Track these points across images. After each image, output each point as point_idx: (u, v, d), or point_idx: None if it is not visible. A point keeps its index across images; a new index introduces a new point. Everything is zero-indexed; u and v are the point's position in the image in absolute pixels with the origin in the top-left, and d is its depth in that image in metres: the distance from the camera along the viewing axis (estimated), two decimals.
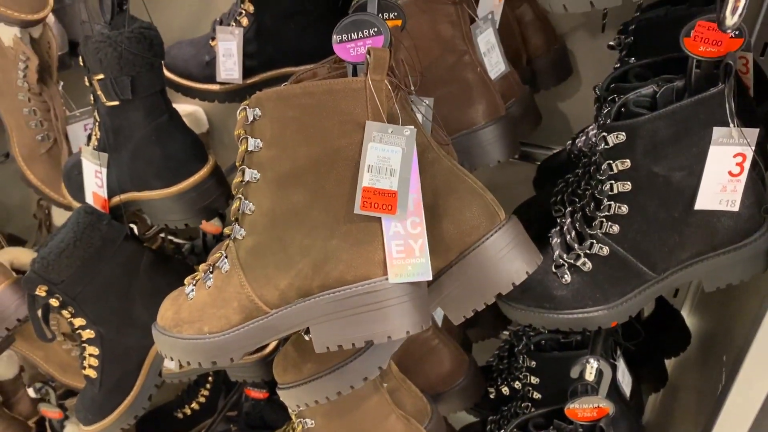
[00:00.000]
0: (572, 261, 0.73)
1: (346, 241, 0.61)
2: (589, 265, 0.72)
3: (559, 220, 0.80)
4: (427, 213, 0.62)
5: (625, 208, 0.68)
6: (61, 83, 1.18)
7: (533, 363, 0.93)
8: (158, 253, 1.00)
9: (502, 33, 0.91)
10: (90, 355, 0.95)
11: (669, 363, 1.10)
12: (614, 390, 0.84)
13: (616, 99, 0.68)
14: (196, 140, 0.92)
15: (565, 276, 0.73)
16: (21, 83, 1.13)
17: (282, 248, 0.64)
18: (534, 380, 0.93)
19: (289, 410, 0.86)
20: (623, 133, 0.65)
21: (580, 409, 0.78)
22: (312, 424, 0.85)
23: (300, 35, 0.98)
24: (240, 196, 0.66)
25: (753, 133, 0.63)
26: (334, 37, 0.59)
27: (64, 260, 0.87)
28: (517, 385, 0.98)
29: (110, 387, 0.96)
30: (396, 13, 0.67)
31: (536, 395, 0.94)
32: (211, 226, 1.22)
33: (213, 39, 1.01)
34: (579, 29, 1.08)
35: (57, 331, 1.25)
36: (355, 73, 0.60)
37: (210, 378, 1.50)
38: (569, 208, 0.78)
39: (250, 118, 0.62)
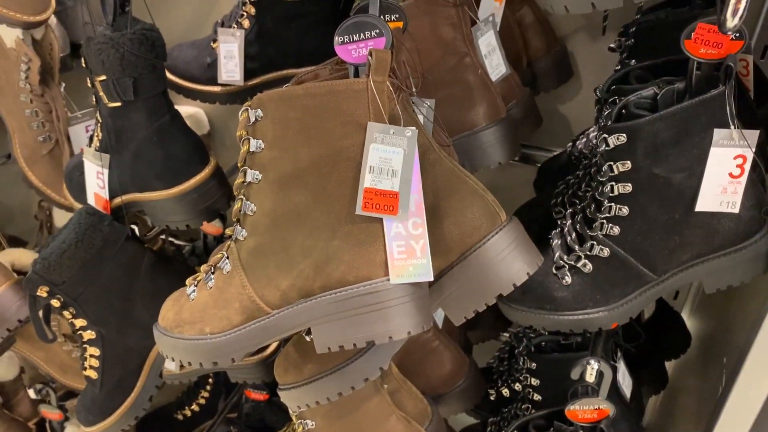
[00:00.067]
0: (573, 262, 0.73)
1: (347, 241, 0.62)
2: (589, 266, 0.72)
3: (559, 222, 0.80)
4: (428, 214, 0.62)
5: (625, 210, 0.68)
6: (63, 85, 1.18)
7: (534, 364, 0.93)
8: (159, 254, 1.00)
9: (503, 35, 0.92)
10: (91, 355, 0.95)
11: (669, 365, 1.10)
12: (615, 391, 0.84)
13: (617, 101, 0.68)
14: (198, 141, 0.92)
15: (566, 277, 0.73)
16: (23, 84, 1.13)
17: (283, 249, 0.64)
18: (534, 382, 0.93)
19: (290, 411, 0.86)
20: (624, 135, 0.65)
21: (581, 410, 0.78)
22: (312, 425, 0.85)
23: (301, 37, 0.98)
24: (242, 197, 0.66)
25: (753, 135, 0.63)
26: (336, 38, 0.59)
27: (66, 261, 0.87)
28: (518, 386, 0.97)
29: (111, 388, 0.96)
30: (397, 15, 0.67)
31: (537, 397, 0.94)
32: (212, 228, 1.23)
33: (214, 41, 1.02)
34: (579, 31, 1.08)
35: (58, 332, 1.25)
36: (356, 75, 0.60)
37: (210, 379, 1.50)
38: (570, 210, 0.78)
39: (252, 119, 0.62)
